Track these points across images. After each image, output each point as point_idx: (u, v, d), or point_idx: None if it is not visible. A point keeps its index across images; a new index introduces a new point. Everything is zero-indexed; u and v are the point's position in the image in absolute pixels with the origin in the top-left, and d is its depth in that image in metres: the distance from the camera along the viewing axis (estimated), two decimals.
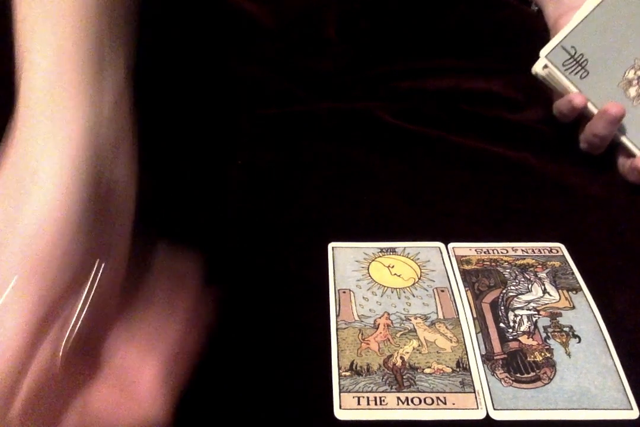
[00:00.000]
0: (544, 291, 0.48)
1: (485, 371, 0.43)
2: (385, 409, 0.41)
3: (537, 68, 0.58)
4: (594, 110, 0.57)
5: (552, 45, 0.57)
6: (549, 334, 0.45)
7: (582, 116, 0.59)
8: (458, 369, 0.43)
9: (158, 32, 0.60)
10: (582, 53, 0.57)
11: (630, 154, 0.58)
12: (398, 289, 0.48)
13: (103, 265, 0.32)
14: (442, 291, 0.48)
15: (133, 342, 0.34)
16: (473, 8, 0.75)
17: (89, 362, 0.32)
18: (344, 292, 0.48)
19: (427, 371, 0.43)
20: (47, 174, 0.31)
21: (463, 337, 0.45)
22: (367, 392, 0.42)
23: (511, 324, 0.46)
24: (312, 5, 0.73)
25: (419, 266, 0.50)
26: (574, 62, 0.58)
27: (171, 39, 0.64)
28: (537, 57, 0.58)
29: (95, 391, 0.32)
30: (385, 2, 0.75)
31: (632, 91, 0.58)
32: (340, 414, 0.41)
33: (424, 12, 0.73)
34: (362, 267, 0.50)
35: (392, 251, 0.51)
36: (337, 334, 0.45)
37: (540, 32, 0.68)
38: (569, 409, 0.41)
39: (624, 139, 0.57)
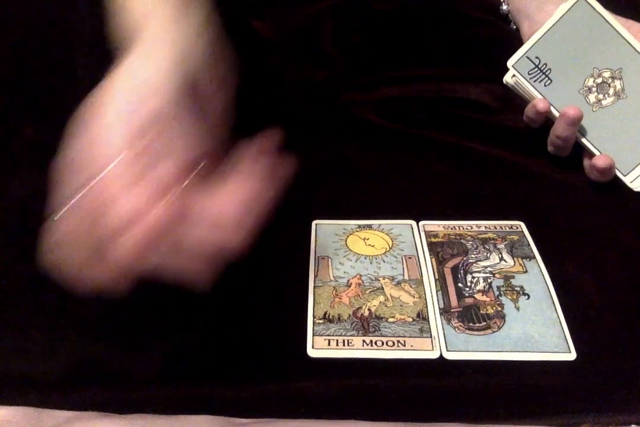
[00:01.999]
0: (501, 259, 0.55)
1: (441, 321, 0.49)
2: (352, 349, 0.47)
3: (507, 77, 0.65)
4: (557, 115, 0.63)
5: (518, 56, 0.64)
6: (501, 292, 0.52)
7: (548, 122, 0.65)
8: (418, 319, 0.49)
9: None
10: (546, 62, 0.64)
11: (590, 155, 0.63)
12: (371, 257, 0.55)
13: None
14: (410, 257, 0.55)
15: (218, 191, 0.42)
16: (457, 24, 0.82)
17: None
18: (323, 258, 0.55)
19: (391, 320, 0.49)
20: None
21: (425, 294, 0.52)
22: (336, 336, 0.48)
23: (468, 284, 0.52)
24: (309, 22, 0.82)
25: (391, 238, 0.57)
26: (539, 71, 0.64)
27: None
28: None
29: (186, 231, 0.40)
30: (375, 19, 0.83)
31: (592, 97, 0.64)
32: (312, 353, 0.47)
33: (411, 27, 0.81)
34: (341, 239, 0.57)
35: (369, 227, 0.58)
36: (314, 291, 0.52)
37: (516, 47, 0.75)
38: (513, 352, 0.47)
39: (584, 141, 0.63)
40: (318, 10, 0.84)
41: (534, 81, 0.63)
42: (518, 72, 0.63)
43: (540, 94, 0.63)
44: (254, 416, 0.44)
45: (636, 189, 0.62)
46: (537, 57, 0.63)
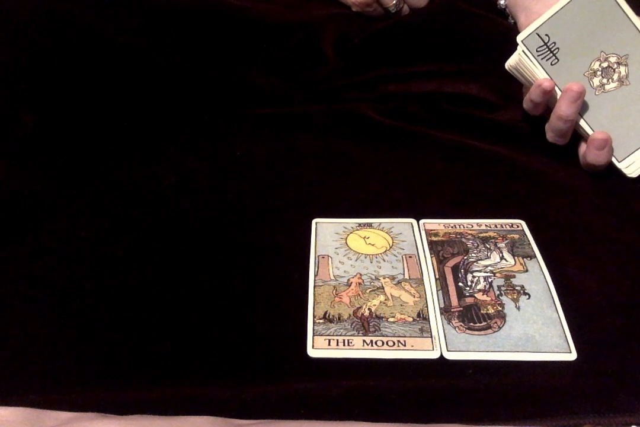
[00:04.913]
0: (501, 258, 0.54)
1: (442, 320, 0.49)
2: (352, 349, 0.47)
3: (511, 60, 0.64)
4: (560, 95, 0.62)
5: (528, 32, 0.62)
6: (502, 291, 0.51)
7: (548, 110, 0.65)
8: (418, 319, 0.49)
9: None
10: (555, 41, 0.62)
11: (586, 139, 0.63)
12: (371, 255, 0.55)
13: None
14: (410, 257, 0.55)
15: None
16: (455, 19, 0.82)
17: None
18: (323, 257, 0.55)
19: (391, 319, 0.49)
20: None
21: (425, 294, 0.51)
22: (337, 335, 0.48)
23: (469, 283, 0.52)
24: (312, 25, 0.81)
25: (391, 237, 0.57)
26: (547, 49, 0.63)
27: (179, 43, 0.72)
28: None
29: None
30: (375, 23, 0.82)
31: (596, 81, 0.64)
32: (312, 353, 0.47)
33: (410, 23, 0.81)
34: (341, 238, 0.57)
35: (369, 225, 0.58)
36: (314, 290, 0.52)
37: (514, 41, 0.74)
38: (514, 352, 0.47)
39: (582, 123, 0.63)
40: (319, 16, 0.83)
41: (541, 59, 0.62)
42: (527, 48, 0.62)
43: (546, 72, 0.62)
44: (254, 417, 0.44)
45: (630, 175, 0.63)
46: (546, 35, 0.62)
